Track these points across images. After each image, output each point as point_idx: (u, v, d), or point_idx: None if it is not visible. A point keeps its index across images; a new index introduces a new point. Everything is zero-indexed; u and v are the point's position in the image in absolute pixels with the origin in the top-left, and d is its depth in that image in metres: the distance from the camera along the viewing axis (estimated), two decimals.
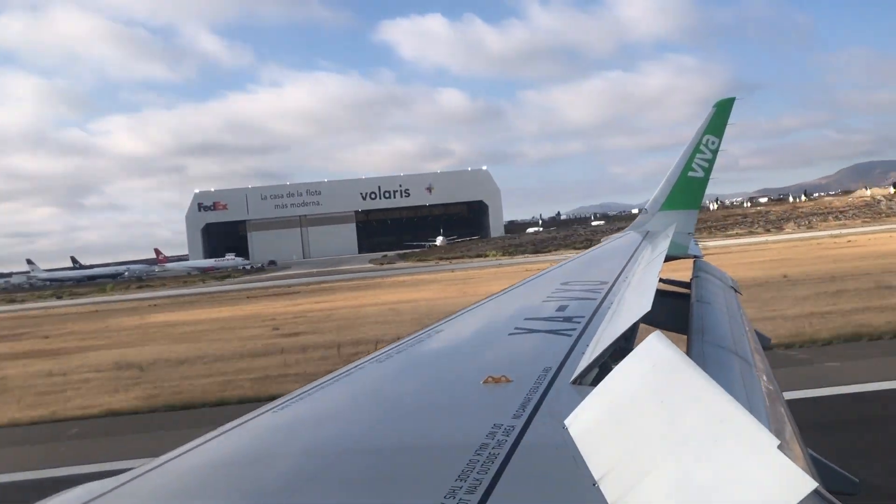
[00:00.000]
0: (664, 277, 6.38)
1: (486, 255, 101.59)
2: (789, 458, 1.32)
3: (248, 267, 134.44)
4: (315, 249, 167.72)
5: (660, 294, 4.01)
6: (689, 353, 3.57)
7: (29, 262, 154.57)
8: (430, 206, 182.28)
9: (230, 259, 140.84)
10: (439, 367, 3.30)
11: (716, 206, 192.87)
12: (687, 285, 6.76)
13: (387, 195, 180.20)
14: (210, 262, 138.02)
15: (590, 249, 10.55)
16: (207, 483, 2.02)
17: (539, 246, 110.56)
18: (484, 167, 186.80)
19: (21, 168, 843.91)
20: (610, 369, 2.31)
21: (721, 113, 10.58)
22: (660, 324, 4.31)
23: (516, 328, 3.77)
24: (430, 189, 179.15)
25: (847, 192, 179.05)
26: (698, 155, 10.66)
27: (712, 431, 1.54)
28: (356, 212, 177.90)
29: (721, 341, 4.03)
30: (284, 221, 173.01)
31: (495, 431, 2.04)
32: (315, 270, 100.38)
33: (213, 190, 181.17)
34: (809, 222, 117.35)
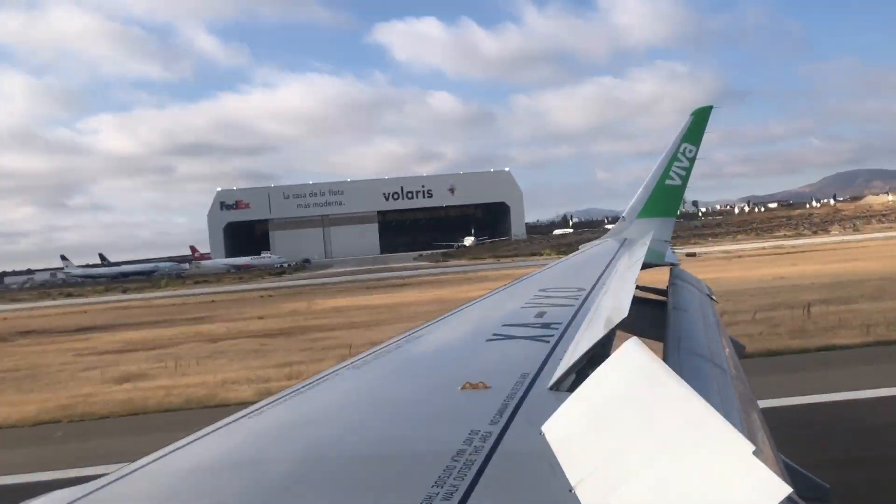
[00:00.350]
0: (641, 285, 6.40)
1: (542, 254, 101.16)
2: (764, 463, 1.33)
3: (287, 265, 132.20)
4: (337, 249, 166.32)
5: (637, 301, 4.04)
6: (665, 359, 3.57)
7: (63, 258, 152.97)
8: (451, 206, 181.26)
9: (266, 257, 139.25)
10: (416, 372, 3.29)
11: (747, 209, 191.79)
12: (664, 293, 6.79)
13: (409, 195, 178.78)
14: (246, 260, 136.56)
15: (568, 257, 10.55)
16: (179, 489, 2.01)
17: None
18: (506, 168, 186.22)
19: (5, 166, 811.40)
20: (587, 375, 2.31)
21: (698, 121, 10.65)
22: (637, 331, 4.22)
23: (494, 334, 3.79)
24: (452, 190, 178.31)
25: (855, 199, 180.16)
26: (676, 163, 10.71)
27: (688, 437, 1.55)
28: (378, 212, 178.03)
29: (697, 348, 4.05)
30: (307, 221, 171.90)
31: (472, 437, 2.04)
32: (373, 267, 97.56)
33: (235, 189, 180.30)
34: (854, 225, 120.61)
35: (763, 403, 3.93)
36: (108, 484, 2.03)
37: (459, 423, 2.21)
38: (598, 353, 2.66)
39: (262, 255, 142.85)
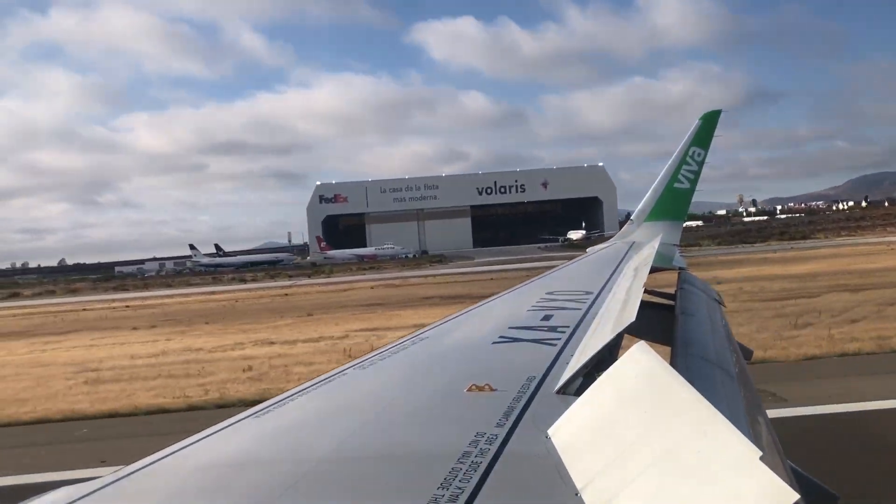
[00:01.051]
0: (649, 288, 6.33)
1: (699, 245, 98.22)
2: (771, 469, 1.32)
3: (411, 255, 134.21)
4: (431, 242, 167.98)
5: (645, 305, 3.98)
6: (672, 364, 3.51)
7: (192, 247, 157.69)
8: (543, 201, 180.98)
9: (389, 248, 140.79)
10: (422, 374, 3.28)
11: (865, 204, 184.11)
12: (672, 297, 6.69)
13: (502, 190, 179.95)
14: (371, 250, 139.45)
15: (575, 259, 10.46)
16: (180, 490, 2.01)
17: (743, 236, 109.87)
18: (600, 163, 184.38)
19: (43, 163, 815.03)
20: (594, 379, 2.31)
21: (707, 125, 10.61)
22: (644, 335, 4.16)
23: (501, 337, 3.78)
24: (545, 185, 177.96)
25: None
26: (684, 167, 10.66)
27: (695, 442, 1.55)
28: (471, 206, 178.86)
29: (704, 353, 4.00)
30: (402, 215, 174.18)
31: (478, 440, 2.04)
32: (523, 257, 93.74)
33: (333, 182, 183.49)
34: None
35: None
36: (109, 484, 2.03)
37: (465, 425, 2.21)
38: (606, 357, 2.66)
39: (385, 245, 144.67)
